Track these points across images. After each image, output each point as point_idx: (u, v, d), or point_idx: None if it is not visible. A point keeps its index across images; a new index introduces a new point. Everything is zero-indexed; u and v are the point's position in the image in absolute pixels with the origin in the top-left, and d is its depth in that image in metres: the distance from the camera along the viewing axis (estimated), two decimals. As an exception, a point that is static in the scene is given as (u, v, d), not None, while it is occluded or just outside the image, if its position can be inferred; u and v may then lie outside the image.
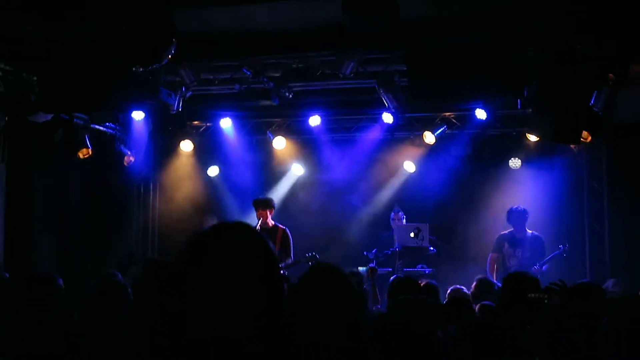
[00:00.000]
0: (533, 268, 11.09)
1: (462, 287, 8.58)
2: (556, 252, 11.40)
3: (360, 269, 10.56)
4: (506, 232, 11.76)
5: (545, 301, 6.07)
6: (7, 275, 8.34)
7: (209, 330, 2.06)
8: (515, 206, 11.75)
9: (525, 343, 5.54)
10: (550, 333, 5.53)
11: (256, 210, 11.48)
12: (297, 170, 13.75)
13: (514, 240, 11.65)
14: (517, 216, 11.67)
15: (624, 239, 11.82)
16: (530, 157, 12.46)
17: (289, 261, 11.21)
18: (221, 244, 2.15)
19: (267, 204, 11.58)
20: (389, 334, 4.18)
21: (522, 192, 12.55)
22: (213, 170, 13.88)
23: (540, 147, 11.90)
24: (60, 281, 7.18)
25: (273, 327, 2.13)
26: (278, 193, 13.56)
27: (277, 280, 2.18)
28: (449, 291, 8.07)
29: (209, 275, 2.09)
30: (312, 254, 11.12)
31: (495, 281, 10.88)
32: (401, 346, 4.15)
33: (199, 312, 2.08)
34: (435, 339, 4.18)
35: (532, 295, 5.95)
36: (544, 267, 11.26)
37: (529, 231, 11.67)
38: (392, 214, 12.47)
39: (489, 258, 11.76)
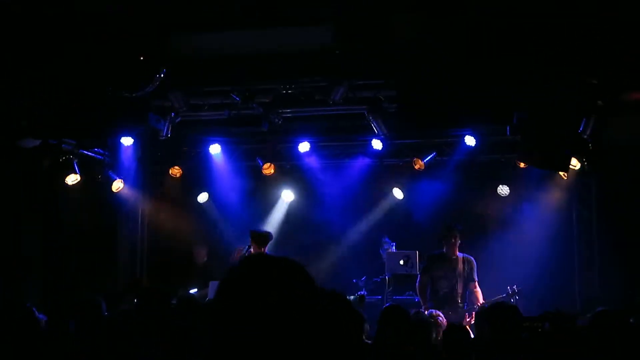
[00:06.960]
0: (467, 291, 10.78)
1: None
2: (503, 294, 10.66)
3: (349, 297, 10.49)
4: (435, 251, 11.19)
5: (539, 329, 6.04)
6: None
7: None
8: (448, 223, 11.26)
9: None
10: None
11: (253, 240, 11.08)
12: (287, 197, 13.68)
13: (444, 261, 11.00)
14: (447, 234, 11.05)
15: (614, 266, 11.75)
16: (520, 183, 12.44)
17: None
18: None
19: (266, 240, 11.15)
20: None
21: (511, 218, 12.53)
22: (203, 197, 13.79)
23: (529, 173, 11.89)
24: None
25: None
26: (270, 221, 13.47)
27: None
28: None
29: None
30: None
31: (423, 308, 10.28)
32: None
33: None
34: None
35: (527, 323, 5.90)
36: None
37: (459, 253, 11.03)
38: (383, 244, 12.29)
39: (417, 281, 11.05)
